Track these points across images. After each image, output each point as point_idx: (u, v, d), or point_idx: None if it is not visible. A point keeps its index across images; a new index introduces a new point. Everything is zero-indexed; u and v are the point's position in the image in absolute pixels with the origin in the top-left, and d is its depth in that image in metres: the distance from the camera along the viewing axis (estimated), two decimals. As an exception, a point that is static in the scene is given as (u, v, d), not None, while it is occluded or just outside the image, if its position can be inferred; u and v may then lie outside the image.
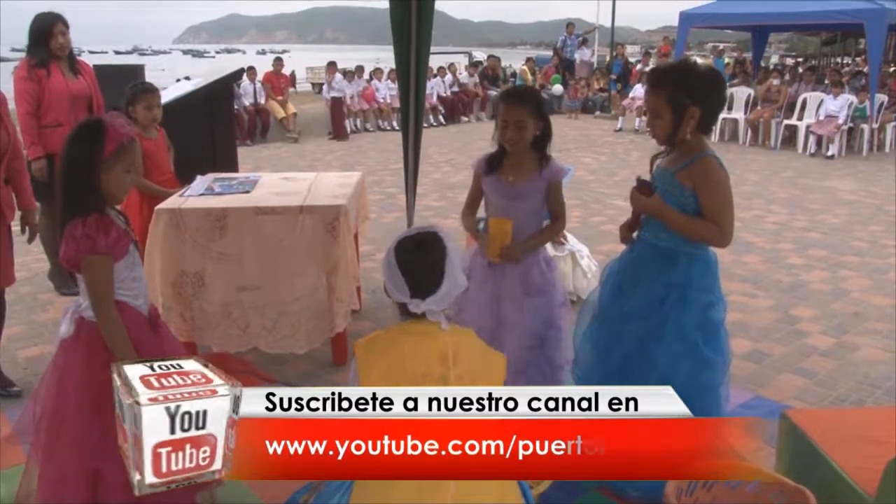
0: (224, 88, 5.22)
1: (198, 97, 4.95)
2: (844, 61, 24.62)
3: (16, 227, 3.66)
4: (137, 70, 8.91)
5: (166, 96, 4.96)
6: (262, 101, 13.15)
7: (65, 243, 2.21)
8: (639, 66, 16.85)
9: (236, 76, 5.36)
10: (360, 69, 14.83)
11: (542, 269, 3.21)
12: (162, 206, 3.76)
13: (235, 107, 12.57)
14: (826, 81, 12.85)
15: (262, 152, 12.05)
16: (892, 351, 4.16)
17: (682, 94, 2.54)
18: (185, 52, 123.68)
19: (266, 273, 3.76)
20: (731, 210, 2.62)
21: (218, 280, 3.75)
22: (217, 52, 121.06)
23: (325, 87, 14.54)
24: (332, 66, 14.25)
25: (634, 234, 2.87)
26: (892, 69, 14.79)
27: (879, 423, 2.68)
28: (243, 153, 11.88)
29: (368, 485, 1.93)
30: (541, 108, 3.03)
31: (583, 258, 4.86)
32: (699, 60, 23.11)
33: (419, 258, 1.99)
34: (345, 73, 14.67)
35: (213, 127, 4.98)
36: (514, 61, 19.84)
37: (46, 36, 4.62)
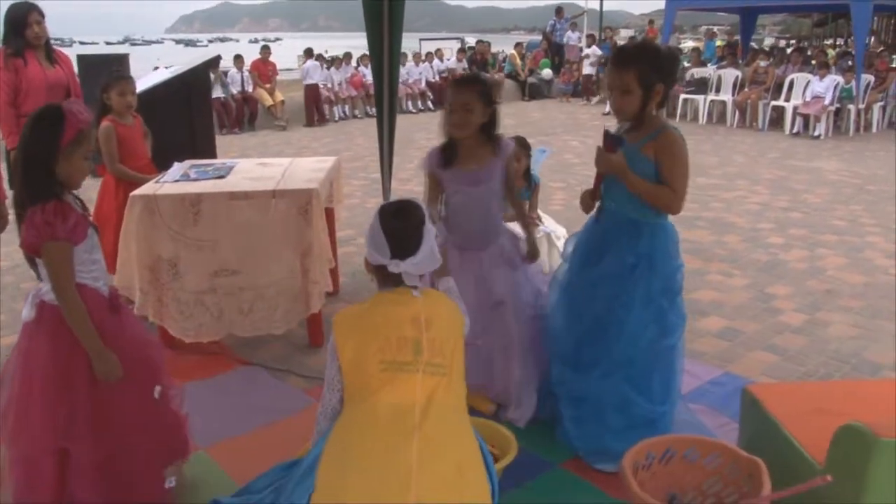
0: (201, 76, 5.23)
1: (174, 85, 4.96)
2: (837, 42, 24.60)
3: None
4: (122, 59, 8.91)
5: (143, 84, 4.97)
6: (249, 89, 13.13)
7: (25, 229, 2.24)
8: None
9: (213, 63, 5.37)
10: (347, 56, 14.81)
11: (513, 243, 3.30)
12: (137, 192, 3.78)
13: (223, 95, 12.62)
14: (813, 62, 12.86)
15: (250, 140, 12.05)
16: (863, 327, 4.22)
17: (652, 72, 2.67)
18: (178, 42, 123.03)
19: (241, 257, 3.79)
20: (686, 178, 2.75)
21: (192, 267, 3.77)
22: (209, 41, 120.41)
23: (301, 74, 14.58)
24: (307, 52, 14.25)
25: (596, 204, 2.95)
26: (879, 50, 14.80)
27: (836, 396, 2.73)
28: (231, 141, 11.94)
29: (336, 450, 1.99)
30: (489, 94, 3.06)
31: (559, 239, 4.88)
32: (692, 43, 23.09)
33: (400, 221, 2.15)
34: (332, 59, 14.65)
35: (190, 114, 4.99)
36: (507, 47, 19.79)
37: (22, 26, 4.62)
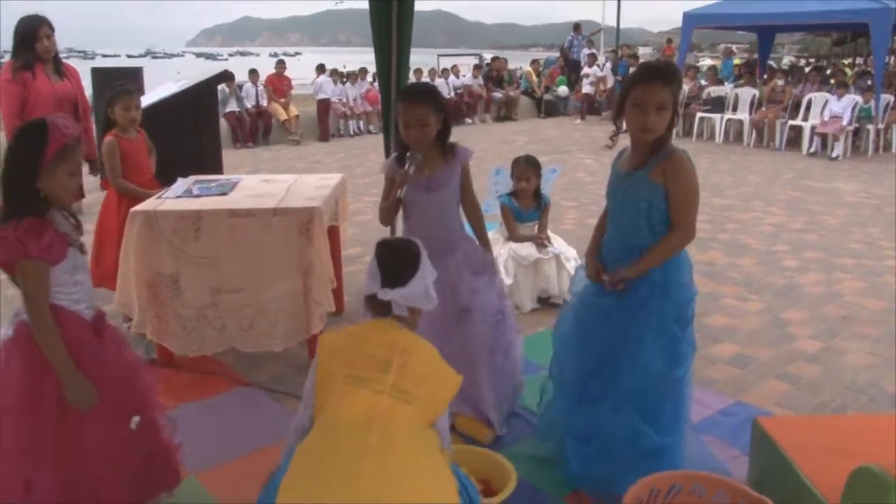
0: (208, 90, 5.19)
1: (182, 99, 4.92)
2: (856, 61, 24.39)
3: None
4: (136, 72, 8.91)
5: (150, 98, 4.94)
6: (264, 103, 13.15)
7: None
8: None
9: (220, 78, 5.33)
10: (363, 71, 14.83)
11: (476, 251, 3.32)
12: (137, 208, 3.74)
13: (238, 109, 12.64)
14: (832, 81, 12.71)
15: (264, 154, 12.05)
16: (881, 356, 4.08)
17: (678, 90, 2.66)
18: (198, 55, 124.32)
19: (243, 275, 3.73)
20: (696, 205, 2.67)
21: (193, 283, 3.72)
22: (230, 55, 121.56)
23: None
24: (319, 68, 14.27)
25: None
26: (899, 69, 14.63)
27: (850, 432, 2.62)
28: (245, 155, 11.95)
29: (296, 471, 1.98)
30: (441, 102, 3.10)
31: (569, 261, 4.79)
32: (709, 61, 23.00)
33: (394, 253, 2.25)
34: (348, 75, 14.68)
35: (198, 129, 4.94)
36: (525, 63, 19.75)
37: (32, 39, 4.63)
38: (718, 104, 13.05)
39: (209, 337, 3.83)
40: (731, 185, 9.06)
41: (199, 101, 5.00)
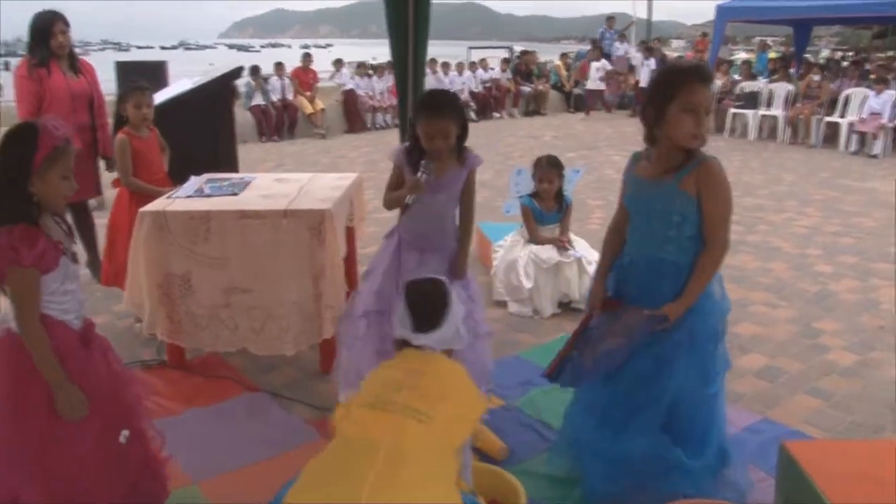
0: (224, 87, 5.10)
1: (196, 96, 4.84)
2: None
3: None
4: (160, 66, 8.90)
5: (165, 95, 4.87)
6: (290, 96, 13.11)
7: None
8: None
9: (235, 74, 5.24)
10: (390, 65, 14.68)
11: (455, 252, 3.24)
12: (146, 208, 3.66)
13: (263, 102, 12.61)
14: (871, 77, 12.32)
15: (289, 148, 12.00)
16: (920, 370, 3.87)
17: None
18: (231, 47, 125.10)
19: (253, 276, 3.64)
20: (730, 216, 2.51)
21: (204, 283, 3.65)
22: (262, 47, 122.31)
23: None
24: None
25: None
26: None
27: (885, 459, 2.44)
28: (269, 149, 11.92)
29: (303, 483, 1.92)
30: (461, 112, 3.06)
31: (590, 264, 4.63)
32: (743, 55, 22.50)
33: (425, 296, 2.22)
34: (374, 68, 14.59)
35: (212, 126, 4.86)
36: (556, 56, 19.48)
37: (47, 35, 4.58)
38: (752, 100, 12.73)
39: (222, 336, 3.76)
40: (764, 184, 8.81)
41: (214, 98, 4.92)
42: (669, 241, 2.52)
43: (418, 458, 1.88)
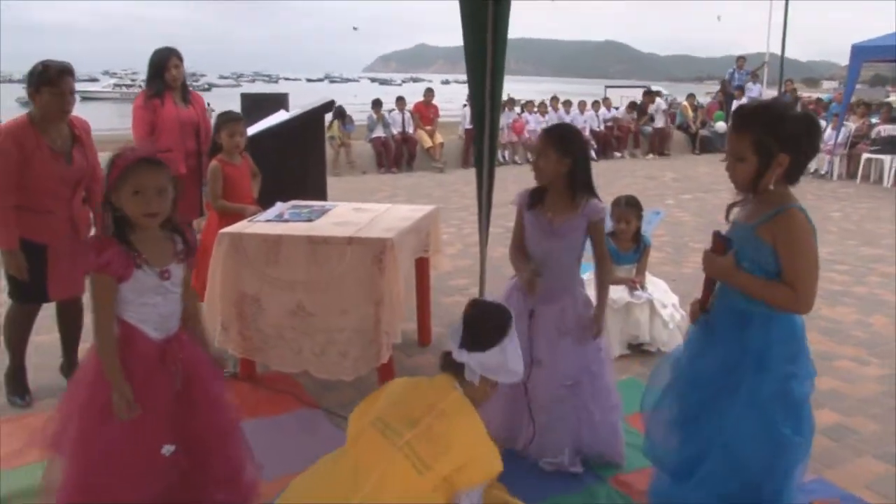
0: (315, 119, 5.41)
1: (289, 127, 5.16)
2: None
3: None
4: (282, 98, 9.42)
5: (261, 125, 5.21)
6: (410, 130, 13.52)
7: None
8: (833, 105, 15.36)
9: (326, 108, 5.54)
10: (510, 101, 14.91)
11: (578, 311, 3.21)
12: (225, 230, 3.94)
13: (384, 135, 13.08)
14: None
15: (405, 180, 12.37)
16: None
17: (771, 139, 2.32)
18: (373, 80, 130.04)
19: (317, 300, 3.82)
20: (814, 272, 2.34)
21: (273, 303, 3.86)
22: (403, 81, 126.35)
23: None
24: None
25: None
26: None
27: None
28: (385, 180, 12.33)
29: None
30: (566, 145, 3.05)
31: (665, 307, 4.54)
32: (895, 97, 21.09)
33: (481, 314, 2.25)
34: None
35: (303, 155, 5.16)
36: (699, 96, 19.09)
37: (162, 69, 5.02)
38: (889, 145, 11.99)
39: (287, 357, 3.95)
40: (889, 235, 8.26)
41: (306, 128, 5.22)
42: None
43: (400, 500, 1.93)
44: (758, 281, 2.36)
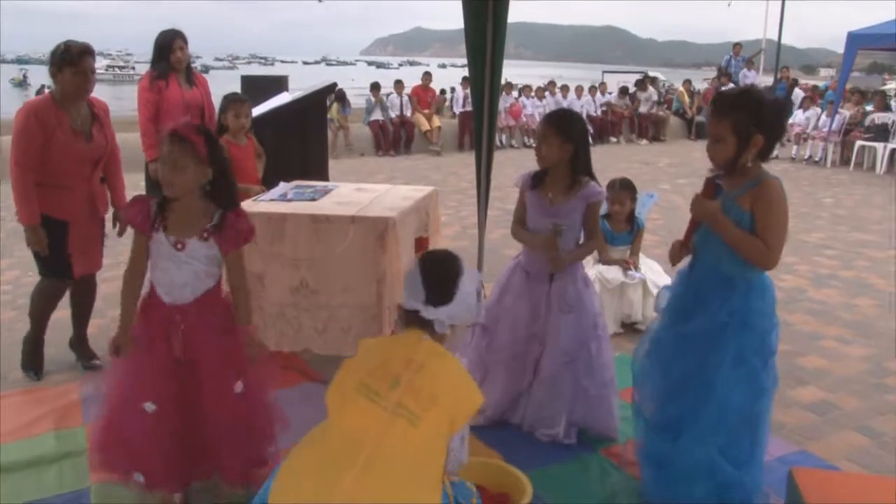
0: (317, 101, 5.50)
1: (292, 108, 5.25)
2: None
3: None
4: (282, 80, 9.49)
5: (265, 107, 5.30)
6: (408, 113, 13.59)
7: None
8: (829, 93, 15.38)
9: (329, 90, 5.63)
10: (508, 85, 14.96)
11: (578, 288, 3.35)
12: (231, 209, 4.04)
13: (382, 118, 13.15)
14: None
15: (403, 163, 12.45)
16: None
17: (750, 121, 2.54)
18: (370, 64, 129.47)
19: (319, 277, 3.95)
20: (783, 233, 2.59)
21: (275, 282, 3.98)
22: (400, 65, 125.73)
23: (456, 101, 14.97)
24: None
25: (686, 258, 2.85)
26: None
27: (886, 496, 2.42)
28: (384, 162, 12.41)
29: (287, 468, 2.07)
30: (569, 130, 3.16)
31: (657, 288, 4.66)
32: (891, 86, 21.20)
33: (438, 267, 2.24)
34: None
35: (304, 136, 5.26)
36: (696, 82, 19.15)
37: (167, 51, 5.10)
38: (882, 132, 12.11)
39: (287, 334, 4.08)
40: (880, 220, 8.40)
41: (308, 110, 5.32)
42: (724, 254, 2.63)
43: (401, 460, 1.96)
44: (737, 229, 2.57)
